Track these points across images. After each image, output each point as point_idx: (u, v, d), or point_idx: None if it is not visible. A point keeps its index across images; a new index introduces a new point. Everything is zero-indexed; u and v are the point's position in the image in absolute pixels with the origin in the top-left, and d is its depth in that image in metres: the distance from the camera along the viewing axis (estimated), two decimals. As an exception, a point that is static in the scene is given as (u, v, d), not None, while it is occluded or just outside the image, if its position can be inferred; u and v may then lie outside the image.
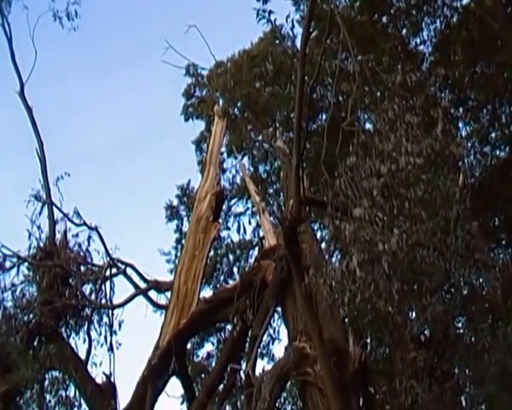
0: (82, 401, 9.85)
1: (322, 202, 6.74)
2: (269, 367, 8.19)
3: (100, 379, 9.78)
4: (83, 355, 10.20)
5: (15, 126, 15.70)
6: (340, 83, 10.22)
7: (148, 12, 21.22)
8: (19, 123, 13.41)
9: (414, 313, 8.55)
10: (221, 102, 13.67)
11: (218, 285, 14.55)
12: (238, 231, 15.22)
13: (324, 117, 13.39)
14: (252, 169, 15.22)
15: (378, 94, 8.08)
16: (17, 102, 12.72)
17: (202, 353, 14.47)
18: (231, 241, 15.57)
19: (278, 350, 12.49)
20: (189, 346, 11.91)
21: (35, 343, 9.72)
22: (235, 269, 15.31)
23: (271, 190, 14.99)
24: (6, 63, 13.12)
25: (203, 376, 13.15)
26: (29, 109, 12.61)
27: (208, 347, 14.51)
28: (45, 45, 14.50)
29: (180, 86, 16.30)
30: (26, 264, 10.61)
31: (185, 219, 15.73)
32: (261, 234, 12.67)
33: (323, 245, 10.31)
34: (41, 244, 10.67)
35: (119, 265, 10.99)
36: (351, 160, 6.39)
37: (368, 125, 9.85)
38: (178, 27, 13.53)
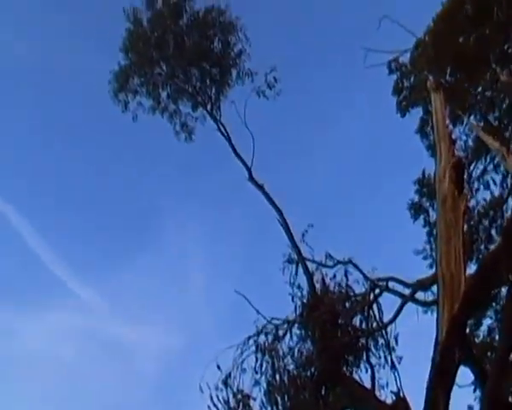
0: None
1: None
2: None
3: (390, 400, 10.05)
4: (368, 385, 10.57)
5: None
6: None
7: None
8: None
9: None
10: (431, 77, 13.58)
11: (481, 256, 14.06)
12: (487, 188, 14.86)
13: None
14: (482, 123, 14.76)
15: None
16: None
17: (482, 331, 14.01)
18: (482, 205, 15.07)
19: None
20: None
21: (322, 392, 10.32)
22: (493, 232, 14.74)
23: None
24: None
25: (490, 354, 12.75)
26: (260, 187, 14.43)
27: (487, 322, 14.01)
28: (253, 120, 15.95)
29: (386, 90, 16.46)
30: (297, 324, 11.49)
31: (430, 209, 15.58)
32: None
33: None
34: (304, 301, 11.61)
35: (380, 283, 11.62)
36: None
37: None
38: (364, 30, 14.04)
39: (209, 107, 16.63)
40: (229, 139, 15.75)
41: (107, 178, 26.32)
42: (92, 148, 25.62)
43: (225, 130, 15.98)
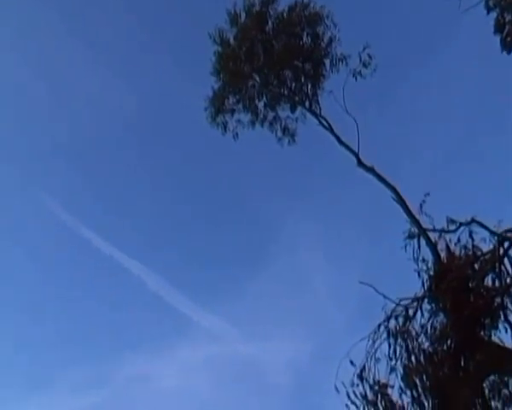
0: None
1: None
2: None
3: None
4: (510, 345, 9.79)
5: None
6: None
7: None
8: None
9: None
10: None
11: None
12: None
13: None
14: None
15: None
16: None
17: None
18: None
19: None
20: None
21: (462, 363, 9.68)
22: None
23: None
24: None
25: None
26: (371, 170, 13.98)
27: None
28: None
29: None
30: (426, 299, 10.78)
31: None
32: None
33: None
34: (431, 273, 10.87)
35: (509, 235, 10.46)
36: None
37: None
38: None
39: (307, 104, 16.35)
40: (331, 130, 15.35)
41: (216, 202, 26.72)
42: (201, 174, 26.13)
43: (327, 122, 15.60)
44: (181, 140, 25.49)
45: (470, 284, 10.08)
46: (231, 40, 17.11)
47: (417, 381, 9.68)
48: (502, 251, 10.14)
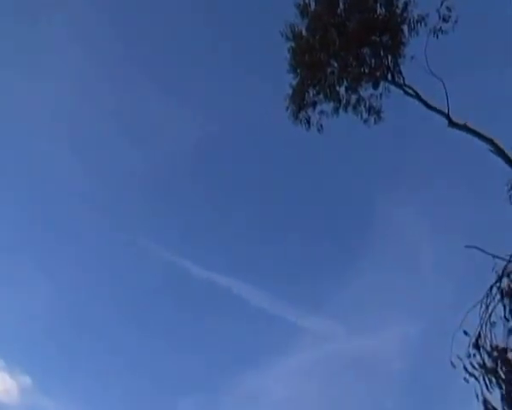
0: None
1: None
2: None
3: None
4: None
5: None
6: None
7: None
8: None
9: None
10: None
11: None
12: None
13: None
14: None
15: None
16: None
17: None
18: None
19: None
20: None
21: None
22: None
23: None
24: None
25: None
26: (464, 127, 12.83)
27: None
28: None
29: None
30: None
31: None
32: None
33: None
34: None
35: None
36: None
37: None
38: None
39: (390, 77, 15.22)
40: (418, 97, 14.12)
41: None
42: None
43: (412, 90, 14.39)
44: (263, 148, 25.23)
45: None
46: (303, 32, 16.61)
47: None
48: None
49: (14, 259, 27.67)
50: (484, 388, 9.34)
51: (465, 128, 12.43)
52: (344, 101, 16.04)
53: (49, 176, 27.64)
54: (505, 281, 9.63)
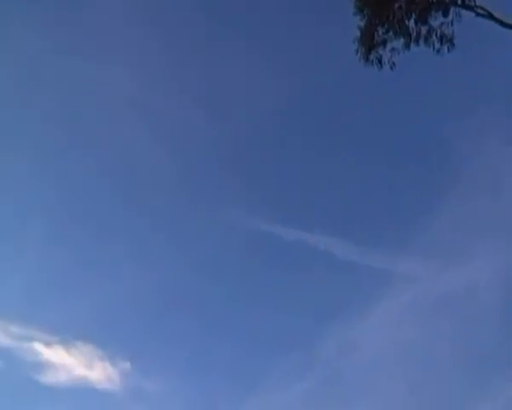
0: None
1: None
2: None
3: None
4: None
5: None
6: None
7: None
8: None
9: None
10: None
11: None
12: None
13: None
14: None
15: None
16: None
17: None
18: None
19: None
20: None
21: None
22: None
23: None
24: None
25: None
26: None
27: None
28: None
29: None
30: None
31: None
32: None
33: None
34: None
35: None
36: None
37: None
38: None
39: (460, 1, 14.73)
40: (492, 17, 13.63)
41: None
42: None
43: (484, 10, 13.88)
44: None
45: None
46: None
47: None
48: None
49: (109, 246, 29.31)
50: None
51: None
52: (414, 34, 15.71)
53: (138, 163, 28.90)
54: None
